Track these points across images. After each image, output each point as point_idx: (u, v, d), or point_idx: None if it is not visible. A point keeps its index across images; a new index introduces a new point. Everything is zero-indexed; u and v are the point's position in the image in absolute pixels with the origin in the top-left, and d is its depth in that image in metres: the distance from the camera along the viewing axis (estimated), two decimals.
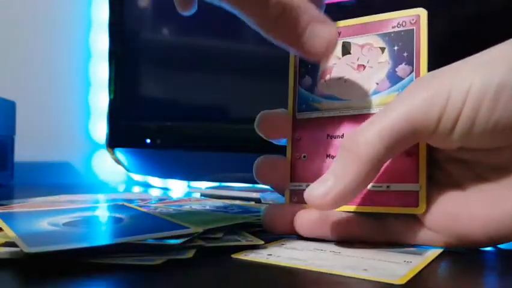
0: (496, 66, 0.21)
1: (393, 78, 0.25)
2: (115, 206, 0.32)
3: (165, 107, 0.66)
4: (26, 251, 0.18)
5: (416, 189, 0.23)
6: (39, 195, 0.42)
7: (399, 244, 0.24)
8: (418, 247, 0.24)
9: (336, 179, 0.22)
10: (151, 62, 0.69)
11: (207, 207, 0.34)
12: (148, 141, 0.66)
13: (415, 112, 0.21)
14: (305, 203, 0.23)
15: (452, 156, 0.23)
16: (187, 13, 0.24)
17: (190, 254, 0.21)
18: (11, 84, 0.73)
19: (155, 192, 0.58)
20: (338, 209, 0.24)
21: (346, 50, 0.27)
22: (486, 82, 0.20)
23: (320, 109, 0.27)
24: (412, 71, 0.25)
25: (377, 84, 0.25)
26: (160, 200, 0.40)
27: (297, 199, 0.27)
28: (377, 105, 0.25)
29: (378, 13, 0.26)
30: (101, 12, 0.79)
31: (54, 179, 0.77)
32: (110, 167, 0.79)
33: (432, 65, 0.24)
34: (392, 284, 0.18)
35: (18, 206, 0.33)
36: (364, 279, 0.18)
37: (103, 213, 0.30)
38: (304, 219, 0.25)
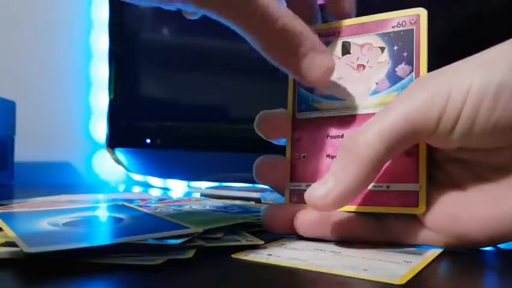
0: (495, 66, 0.21)
1: (393, 78, 0.25)
2: (115, 206, 0.32)
3: (165, 107, 0.66)
4: (26, 251, 0.18)
5: (416, 189, 0.23)
6: (39, 195, 0.42)
7: (399, 244, 0.24)
8: (418, 247, 0.24)
9: (336, 180, 0.22)
10: (151, 62, 0.69)
11: (207, 207, 0.34)
12: (148, 141, 0.66)
13: (415, 112, 0.21)
14: (305, 203, 0.23)
15: (452, 156, 0.23)
16: (192, 17, 0.24)
17: (190, 254, 0.21)
18: (11, 84, 0.73)
19: (155, 192, 0.58)
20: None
21: (346, 49, 0.27)
22: (486, 82, 0.20)
23: (319, 109, 0.27)
24: (412, 71, 0.25)
25: (377, 84, 0.25)
26: (160, 200, 0.40)
27: (297, 199, 0.27)
28: (376, 105, 0.25)
29: (378, 13, 0.26)
30: (101, 12, 0.80)
31: (54, 179, 0.77)
32: (110, 167, 0.79)
33: (432, 65, 0.24)
34: (392, 284, 0.18)
35: (18, 206, 0.33)
36: (364, 279, 0.18)
37: (103, 213, 0.30)
38: (304, 219, 0.25)
